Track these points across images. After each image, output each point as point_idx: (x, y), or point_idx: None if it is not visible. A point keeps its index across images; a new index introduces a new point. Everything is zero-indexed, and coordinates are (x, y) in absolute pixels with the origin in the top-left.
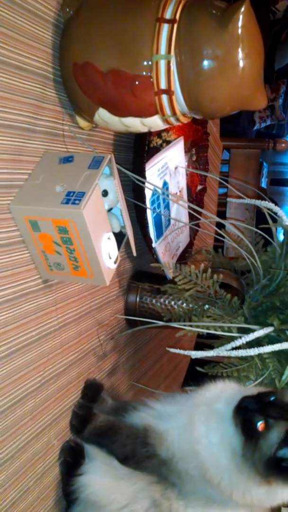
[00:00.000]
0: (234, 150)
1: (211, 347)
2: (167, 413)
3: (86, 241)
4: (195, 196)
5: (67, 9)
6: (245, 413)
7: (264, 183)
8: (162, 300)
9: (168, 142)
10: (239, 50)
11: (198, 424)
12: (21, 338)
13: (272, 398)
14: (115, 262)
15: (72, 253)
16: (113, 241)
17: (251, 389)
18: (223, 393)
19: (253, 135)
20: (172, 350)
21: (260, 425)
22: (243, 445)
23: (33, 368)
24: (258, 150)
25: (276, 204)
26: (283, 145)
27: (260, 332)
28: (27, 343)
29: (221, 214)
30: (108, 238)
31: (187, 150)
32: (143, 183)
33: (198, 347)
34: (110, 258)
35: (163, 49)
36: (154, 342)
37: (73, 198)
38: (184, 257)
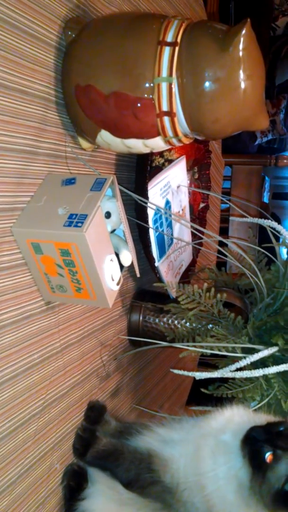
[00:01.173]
0: (236, 166)
1: (214, 366)
2: (172, 439)
3: (89, 263)
4: (198, 214)
5: (69, 32)
6: (253, 444)
7: (266, 197)
8: (165, 319)
9: (170, 161)
10: (241, 72)
11: (205, 457)
12: (24, 361)
13: (281, 428)
14: (117, 284)
15: (74, 276)
16: (115, 263)
17: (259, 417)
18: (230, 423)
19: (254, 149)
20: (175, 371)
21: (268, 456)
22: (250, 477)
23: (36, 391)
24: (260, 166)
25: (278, 219)
26: (285, 161)
27: (264, 353)
28: (29, 366)
29: (224, 230)
30: (111, 260)
31: (189, 169)
32: (146, 203)
33: (201, 365)
34: (113, 280)
35: (164, 72)
36: (157, 361)
37: (76, 220)
38: (187, 276)
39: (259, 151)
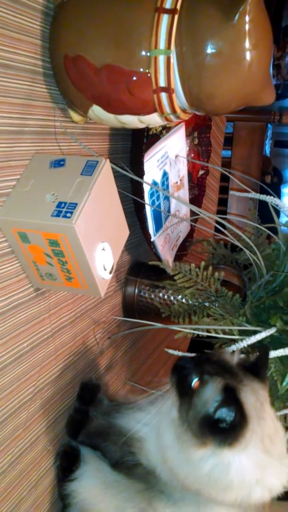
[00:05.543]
0: (238, 123)
1: (209, 344)
2: (146, 420)
3: (79, 254)
4: (197, 181)
5: None
6: (180, 371)
7: (267, 145)
8: (161, 294)
9: (168, 129)
10: (246, 44)
11: (163, 433)
12: (12, 352)
13: (208, 357)
14: (110, 273)
15: (64, 265)
16: (108, 252)
17: None
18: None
19: None
20: (170, 351)
21: (195, 383)
22: (178, 407)
23: (26, 380)
24: (263, 123)
25: (280, 174)
26: None
27: (262, 335)
28: (18, 356)
29: (224, 188)
30: (103, 249)
31: (189, 134)
32: (142, 178)
33: (194, 341)
34: (105, 269)
35: (162, 43)
36: (151, 333)
37: (64, 210)
38: (184, 247)
39: None
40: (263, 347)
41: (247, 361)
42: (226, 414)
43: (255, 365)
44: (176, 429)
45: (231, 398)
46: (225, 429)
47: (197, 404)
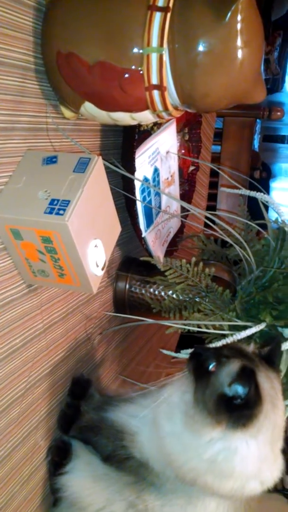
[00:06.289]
0: (227, 118)
1: (199, 339)
2: (138, 414)
3: (72, 251)
4: (187, 177)
5: None
6: (198, 357)
7: (256, 140)
8: (152, 290)
9: (159, 125)
10: (238, 43)
11: (161, 423)
12: (4, 348)
13: (225, 344)
14: (102, 269)
15: (57, 262)
16: (100, 248)
17: None
18: (178, 386)
19: None
20: (164, 351)
21: (212, 367)
22: (194, 389)
23: (18, 375)
24: (252, 118)
25: (269, 169)
26: (279, 113)
27: (252, 330)
28: (10, 352)
29: (214, 183)
30: (95, 246)
31: (179, 130)
32: (133, 175)
33: (184, 336)
34: (97, 266)
35: (155, 41)
36: (143, 326)
37: (57, 207)
38: (175, 243)
39: None
40: (275, 337)
41: (261, 350)
42: (240, 389)
43: (269, 355)
44: (188, 411)
45: (246, 375)
46: (239, 406)
47: (214, 383)
